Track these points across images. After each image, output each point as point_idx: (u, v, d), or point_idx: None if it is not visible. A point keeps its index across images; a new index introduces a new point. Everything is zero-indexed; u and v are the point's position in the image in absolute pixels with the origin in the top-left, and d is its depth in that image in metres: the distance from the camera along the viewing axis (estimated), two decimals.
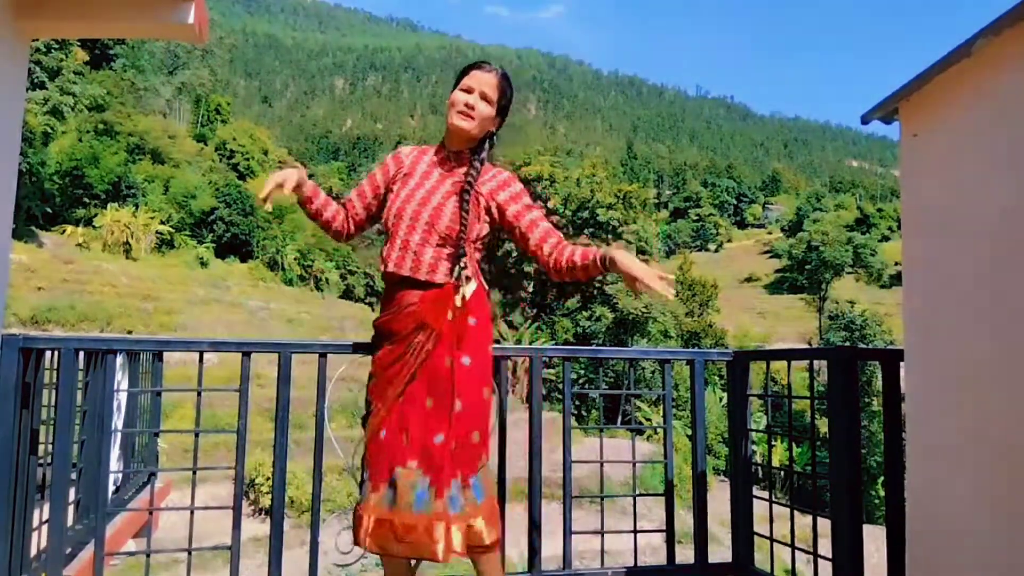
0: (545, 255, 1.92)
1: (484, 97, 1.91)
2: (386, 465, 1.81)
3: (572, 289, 31.05)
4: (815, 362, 2.47)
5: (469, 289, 1.86)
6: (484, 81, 1.92)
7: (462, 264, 1.86)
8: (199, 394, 2.20)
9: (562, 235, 1.97)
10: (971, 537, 1.69)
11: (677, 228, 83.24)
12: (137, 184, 33.46)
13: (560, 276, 1.89)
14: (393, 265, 1.89)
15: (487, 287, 1.99)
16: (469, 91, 1.91)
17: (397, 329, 1.87)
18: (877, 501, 17.42)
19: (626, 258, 1.77)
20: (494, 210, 1.95)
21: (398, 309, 1.88)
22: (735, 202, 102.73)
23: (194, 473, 2.20)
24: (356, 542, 1.83)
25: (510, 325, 28.86)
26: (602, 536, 2.48)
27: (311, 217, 2.07)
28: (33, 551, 2.17)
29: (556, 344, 26.27)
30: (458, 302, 1.83)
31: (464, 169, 1.95)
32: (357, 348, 2.27)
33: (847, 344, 28.18)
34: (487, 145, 1.98)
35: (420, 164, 2.00)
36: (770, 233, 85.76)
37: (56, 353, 2.18)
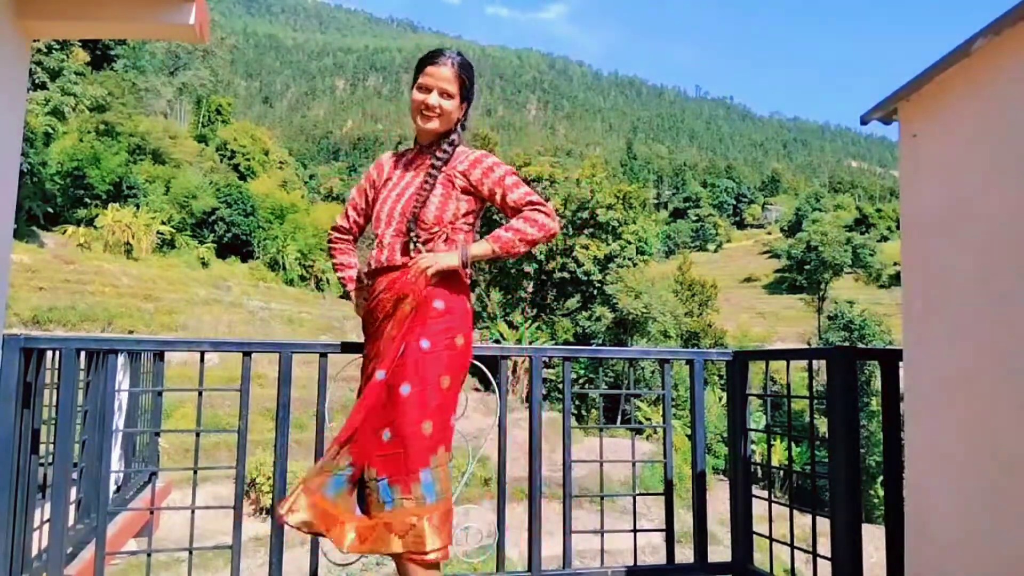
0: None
1: (443, 93, 1.89)
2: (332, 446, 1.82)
3: (572, 289, 31.04)
4: (814, 362, 2.48)
5: (425, 260, 1.81)
6: (440, 77, 1.89)
7: (413, 237, 1.84)
8: (200, 394, 2.21)
9: (529, 201, 1.92)
10: (970, 536, 1.70)
11: (677, 228, 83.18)
12: (138, 184, 33.46)
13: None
14: (375, 262, 1.91)
15: (472, 275, 1.96)
16: (428, 89, 1.89)
17: (371, 319, 1.90)
18: (876, 500, 17.41)
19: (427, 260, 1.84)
20: (472, 188, 1.92)
21: (369, 299, 1.92)
22: (734, 202, 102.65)
23: (195, 473, 2.21)
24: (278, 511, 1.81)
25: (510, 325, 28.85)
26: (602, 535, 2.49)
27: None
28: (34, 550, 2.18)
29: (556, 344, 26.28)
30: (411, 276, 1.81)
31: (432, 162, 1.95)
32: (357, 348, 2.28)
33: (846, 344, 28.14)
34: (457, 129, 1.97)
35: (397, 167, 2.02)
36: (769, 233, 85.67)
37: (57, 353, 2.19)
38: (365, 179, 2.10)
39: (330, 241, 2.18)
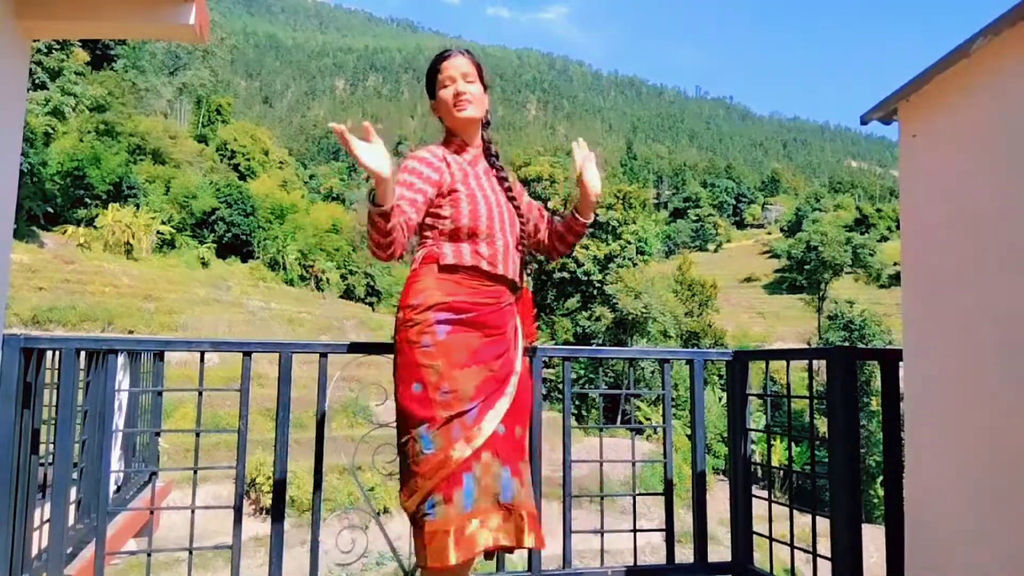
0: (546, 240, 2.10)
1: (467, 79, 1.89)
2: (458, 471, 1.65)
3: (572, 289, 31.05)
4: (814, 362, 2.48)
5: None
6: (459, 65, 1.90)
7: (528, 259, 1.97)
8: (200, 394, 2.21)
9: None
10: (970, 536, 1.70)
11: (677, 228, 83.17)
12: (138, 184, 33.48)
13: (555, 251, 2.09)
14: (502, 268, 1.84)
15: None
16: (452, 81, 1.88)
17: (493, 323, 1.80)
18: (876, 500, 17.43)
19: (588, 173, 1.91)
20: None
21: (496, 304, 1.82)
22: (734, 202, 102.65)
23: (195, 472, 2.21)
24: (441, 561, 1.58)
25: None
26: (602, 535, 2.49)
27: (381, 233, 1.66)
28: (34, 550, 2.18)
29: (556, 344, 26.28)
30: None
31: (488, 165, 1.99)
32: (357, 348, 2.27)
33: (846, 344, 28.18)
34: (488, 134, 2.00)
35: (464, 165, 1.91)
36: (769, 233, 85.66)
37: (57, 353, 2.19)
38: (419, 179, 1.81)
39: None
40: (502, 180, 1.97)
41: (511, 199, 1.96)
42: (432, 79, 1.93)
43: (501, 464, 1.69)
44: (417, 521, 1.67)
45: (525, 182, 30.56)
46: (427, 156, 1.88)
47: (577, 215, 2.00)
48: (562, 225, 2.04)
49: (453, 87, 1.88)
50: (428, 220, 1.85)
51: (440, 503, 1.63)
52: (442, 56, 1.93)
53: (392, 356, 1.86)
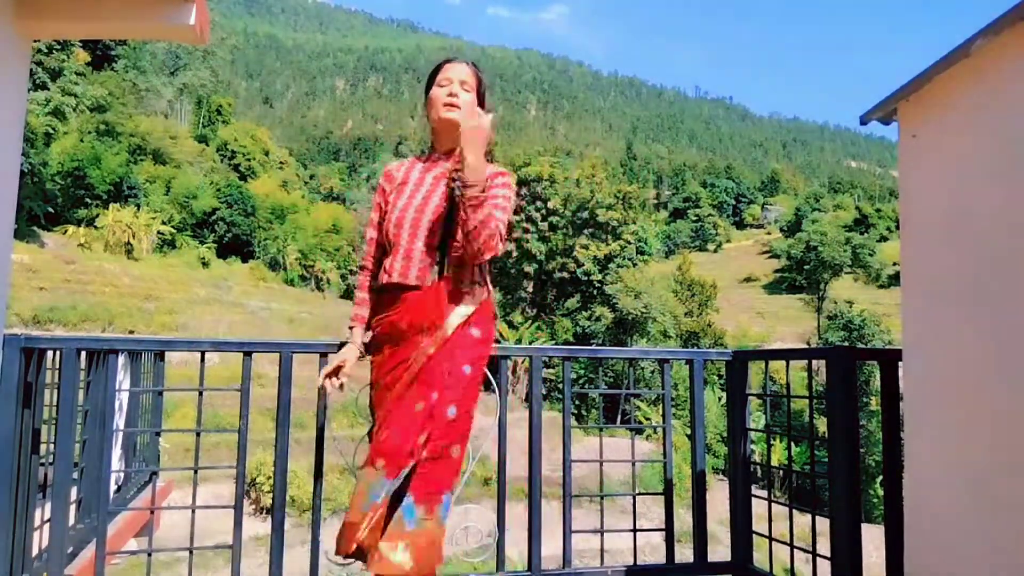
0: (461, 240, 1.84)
1: (463, 85, 1.93)
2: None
3: (572, 289, 31.03)
4: (814, 362, 2.48)
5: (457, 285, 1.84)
6: (458, 72, 1.93)
7: (443, 261, 1.82)
8: (200, 394, 2.21)
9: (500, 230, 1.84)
10: (969, 535, 1.70)
11: (676, 228, 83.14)
12: (139, 184, 33.50)
13: (471, 244, 1.77)
14: (398, 276, 1.84)
15: (492, 295, 1.96)
16: (448, 82, 1.92)
17: (399, 332, 1.82)
18: (876, 500, 17.42)
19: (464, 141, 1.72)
20: None
21: (397, 309, 1.83)
22: (734, 202, 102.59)
23: (195, 472, 2.21)
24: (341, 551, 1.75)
25: (510, 325, 28.86)
26: (601, 535, 2.49)
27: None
28: (35, 550, 2.18)
29: (556, 344, 26.25)
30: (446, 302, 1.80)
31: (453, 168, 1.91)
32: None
33: (845, 344, 28.14)
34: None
35: (412, 172, 1.99)
36: (769, 233, 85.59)
37: (58, 353, 2.19)
38: (378, 194, 2.02)
39: (360, 274, 2.07)
40: (451, 180, 1.86)
41: (452, 193, 1.84)
42: (431, 79, 1.98)
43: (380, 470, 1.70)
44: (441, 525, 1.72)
45: (525, 182, 30.54)
46: (390, 168, 2.06)
47: (461, 189, 1.75)
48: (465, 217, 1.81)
49: (448, 88, 1.92)
50: None
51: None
52: (447, 60, 1.99)
53: None
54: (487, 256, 1.79)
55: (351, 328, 2.01)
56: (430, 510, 1.68)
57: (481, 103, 1.96)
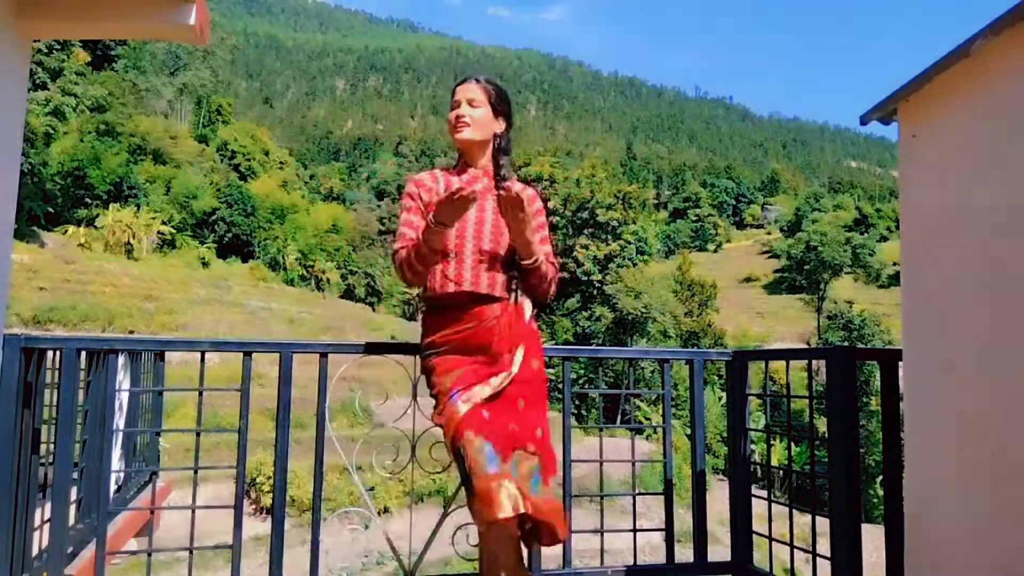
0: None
1: (471, 103, 1.97)
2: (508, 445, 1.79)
3: (572, 289, 31.04)
4: (814, 362, 2.48)
5: (527, 305, 1.97)
6: (466, 90, 1.98)
7: (514, 277, 1.94)
8: (200, 394, 2.21)
9: (552, 263, 2.03)
10: (969, 536, 1.70)
11: (676, 228, 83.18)
12: (139, 184, 33.52)
13: (533, 293, 2.00)
14: (469, 285, 1.89)
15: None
16: (458, 104, 1.98)
17: (480, 343, 1.88)
18: (876, 500, 17.44)
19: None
20: None
21: (478, 324, 1.88)
22: (734, 202, 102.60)
23: (195, 472, 2.21)
24: (493, 516, 1.68)
25: None
26: (601, 535, 2.49)
27: (428, 254, 1.87)
28: (35, 550, 2.18)
29: (556, 344, 26.23)
30: (527, 315, 1.95)
31: (494, 185, 2.00)
32: (357, 348, 2.28)
33: (845, 344, 28.16)
34: (502, 155, 2.02)
35: (452, 182, 1.99)
36: (769, 233, 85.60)
37: (58, 353, 2.19)
38: (414, 203, 2.00)
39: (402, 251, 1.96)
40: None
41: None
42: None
43: (484, 439, 1.77)
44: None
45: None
46: (422, 178, 2.06)
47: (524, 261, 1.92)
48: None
49: (456, 111, 1.97)
50: None
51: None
52: (459, 81, 2.03)
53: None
54: (549, 298, 2.05)
55: (428, 230, 1.83)
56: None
57: (499, 114, 2.01)
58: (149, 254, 31.14)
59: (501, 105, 2.01)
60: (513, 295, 1.94)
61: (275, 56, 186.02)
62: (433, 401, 1.92)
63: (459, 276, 1.90)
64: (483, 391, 1.83)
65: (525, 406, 1.87)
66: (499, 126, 2.01)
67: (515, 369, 1.87)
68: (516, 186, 1.97)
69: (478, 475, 1.71)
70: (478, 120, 1.96)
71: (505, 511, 1.67)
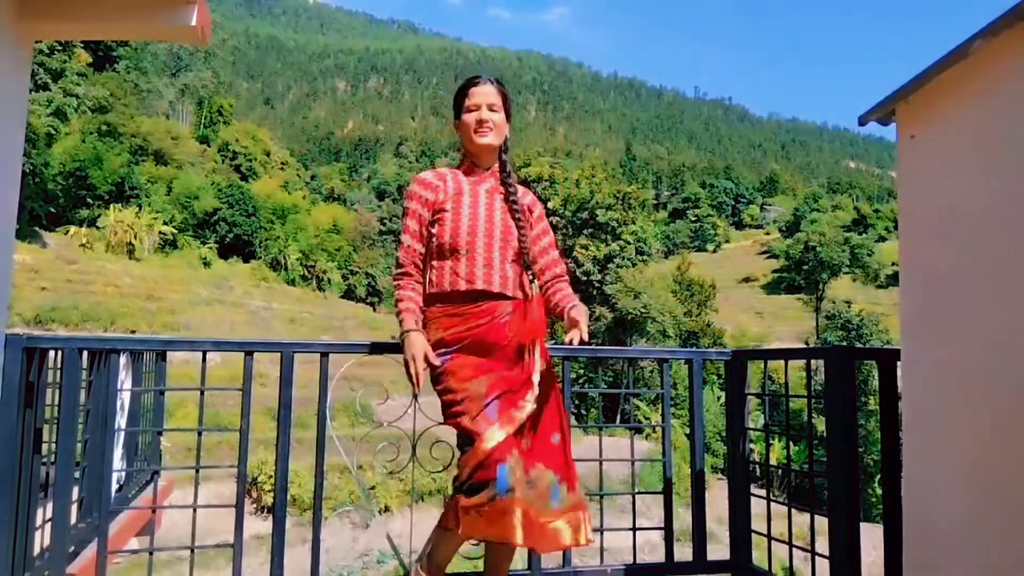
0: (540, 282, 2.09)
1: (491, 107, 1.98)
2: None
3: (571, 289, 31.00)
4: (812, 361, 2.49)
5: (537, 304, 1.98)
6: (486, 94, 1.99)
7: (530, 277, 1.99)
8: (202, 393, 2.22)
9: (561, 267, 2.11)
10: (967, 535, 1.71)
11: (676, 229, 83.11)
12: (140, 185, 33.52)
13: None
14: (482, 283, 1.89)
15: None
16: (477, 108, 1.97)
17: (494, 340, 1.89)
18: (874, 499, 17.41)
19: (581, 317, 1.91)
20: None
21: (490, 321, 1.89)
22: (733, 203, 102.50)
23: (197, 472, 2.22)
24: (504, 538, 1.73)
25: None
26: (601, 534, 2.49)
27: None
28: (36, 549, 2.19)
29: (556, 344, 26.22)
30: (538, 314, 1.95)
31: (500, 185, 2.04)
32: (358, 348, 2.29)
33: (844, 344, 28.12)
34: (507, 157, 2.05)
35: (463, 184, 2.01)
36: (768, 234, 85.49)
37: (60, 353, 2.20)
38: (419, 204, 2.00)
39: (402, 278, 2.01)
40: (511, 202, 2.00)
41: (517, 219, 1.98)
42: (460, 101, 2.02)
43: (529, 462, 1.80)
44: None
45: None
46: (426, 177, 2.06)
47: (562, 315, 2.00)
48: (557, 301, 2.04)
49: (477, 114, 1.97)
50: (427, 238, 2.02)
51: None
52: (472, 81, 2.02)
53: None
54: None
55: (408, 332, 1.91)
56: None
57: (508, 116, 2.05)
58: (151, 254, 31.14)
59: (508, 107, 2.05)
60: (522, 293, 1.97)
61: (276, 57, 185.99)
62: (439, 402, 1.90)
63: (470, 274, 1.91)
64: (519, 415, 1.81)
65: (542, 413, 1.88)
66: (508, 128, 2.06)
67: (536, 378, 1.88)
68: (522, 190, 2.07)
69: (498, 495, 1.71)
70: (499, 125, 2.00)
71: (517, 539, 1.71)
